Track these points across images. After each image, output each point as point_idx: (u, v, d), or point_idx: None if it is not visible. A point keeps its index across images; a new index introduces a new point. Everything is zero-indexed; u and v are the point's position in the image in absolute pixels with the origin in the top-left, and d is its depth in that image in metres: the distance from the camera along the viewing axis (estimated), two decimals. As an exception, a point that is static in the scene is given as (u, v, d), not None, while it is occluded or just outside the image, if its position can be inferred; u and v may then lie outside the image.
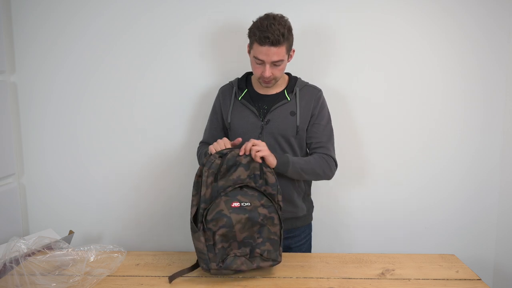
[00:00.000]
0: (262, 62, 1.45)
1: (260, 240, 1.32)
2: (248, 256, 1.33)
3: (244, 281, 1.31)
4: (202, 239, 1.28)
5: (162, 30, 1.86)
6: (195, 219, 1.32)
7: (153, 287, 1.28)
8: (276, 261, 1.34)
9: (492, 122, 1.91)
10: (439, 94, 1.89)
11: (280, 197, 1.36)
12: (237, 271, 1.31)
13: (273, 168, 1.39)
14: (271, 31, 1.38)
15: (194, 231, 1.30)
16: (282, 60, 1.45)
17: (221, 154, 1.34)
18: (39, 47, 1.86)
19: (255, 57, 1.46)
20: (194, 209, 1.32)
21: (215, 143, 1.39)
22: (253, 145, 1.35)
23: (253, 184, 1.34)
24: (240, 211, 1.30)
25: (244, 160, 1.34)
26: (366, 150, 1.93)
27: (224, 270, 1.30)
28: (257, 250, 1.32)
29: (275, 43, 1.40)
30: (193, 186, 1.34)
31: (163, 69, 1.88)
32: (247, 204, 1.31)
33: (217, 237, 1.29)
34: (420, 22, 1.85)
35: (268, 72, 1.46)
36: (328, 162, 1.54)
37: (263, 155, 1.35)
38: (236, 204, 1.30)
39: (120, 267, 1.40)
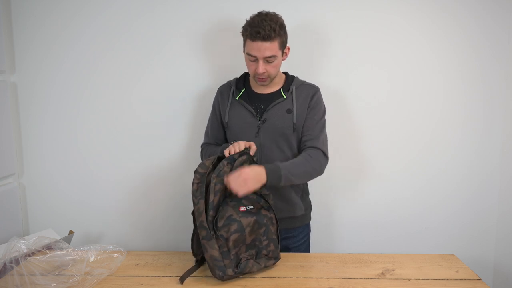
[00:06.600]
0: (255, 59, 1.45)
1: (266, 242, 1.36)
2: (255, 257, 1.35)
3: (244, 281, 1.31)
4: (216, 246, 1.27)
5: (161, 31, 1.86)
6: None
7: (153, 287, 1.28)
8: (278, 258, 1.39)
9: (493, 122, 1.90)
10: (439, 94, 1.89)
11: (271, 196, 1.41)
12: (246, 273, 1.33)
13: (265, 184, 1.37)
14: (262, 27, 1.39)
15: (209, 238, 1.27)
16: (275, 56, 1.45)
17: (230, 160, 1.35)
18: (39, 47, 1.86)
19: (248, 54, 1.46)
20: (204, 215, 1.28)
21: (232, 146, 1.40)
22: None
23: None
24: (248, 215, 1.32)
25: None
26: (366, 150, 1.93)
27: (238, 275, 1.30)
28: (264, 252, 1.36)
29: (266, 38, 1.40)
30: (193, 195, 1.30)
31: (162, 69, 1.88)
32: (250, 207, 1.34)
33: (230, 243, 1.29)
34: (420, 22, 1.85)
35: (261, 68, 1.45)
36: (316, 156, 1.49)
37: (244, 193, 1.31)
38: (243, 208, 1.32)
39: (120, 267, 1.40)
